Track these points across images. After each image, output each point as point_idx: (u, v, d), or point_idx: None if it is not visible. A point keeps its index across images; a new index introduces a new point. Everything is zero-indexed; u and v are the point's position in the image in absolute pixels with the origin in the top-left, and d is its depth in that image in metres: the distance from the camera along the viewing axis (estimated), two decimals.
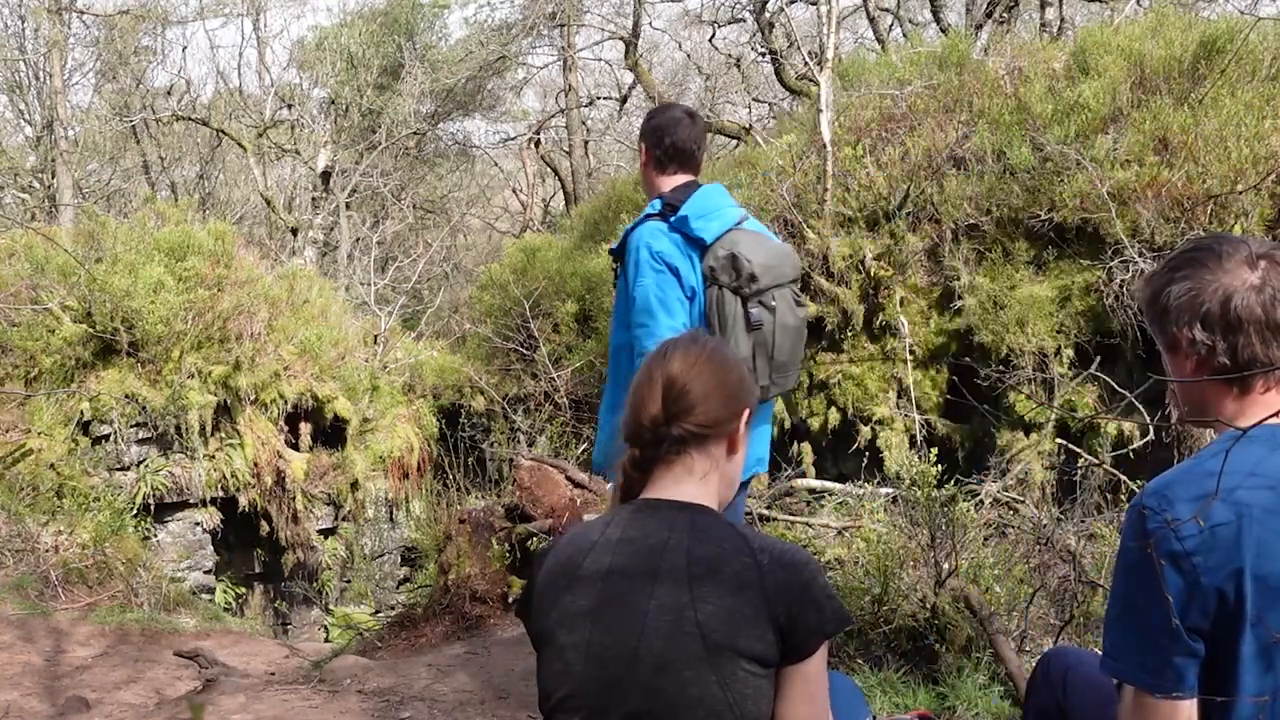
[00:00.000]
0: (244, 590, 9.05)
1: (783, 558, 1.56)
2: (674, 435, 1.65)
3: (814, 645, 1.53)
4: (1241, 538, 1.46)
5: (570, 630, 1.57)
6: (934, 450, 4.53)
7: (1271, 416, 1.57)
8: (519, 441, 10.25)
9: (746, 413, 1.72)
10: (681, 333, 1.83)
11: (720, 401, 1.68)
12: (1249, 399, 1.60)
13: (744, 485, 3.20)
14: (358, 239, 16.87)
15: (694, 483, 1.66)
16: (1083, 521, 4.51)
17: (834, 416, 6.74)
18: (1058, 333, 6.00)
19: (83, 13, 14.87)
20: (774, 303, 2.92)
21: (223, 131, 15.99)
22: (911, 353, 6.36)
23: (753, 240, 2.94)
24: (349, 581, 9.80)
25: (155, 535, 8.15)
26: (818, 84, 7.58)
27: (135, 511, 7.77)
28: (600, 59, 18.92)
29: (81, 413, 7.96)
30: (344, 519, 9.78)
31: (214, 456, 8.56)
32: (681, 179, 3.09)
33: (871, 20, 14.80)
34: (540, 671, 1.62)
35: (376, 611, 8.85)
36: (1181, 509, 1.48)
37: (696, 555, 1.55)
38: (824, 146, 7.25)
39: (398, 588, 9.79)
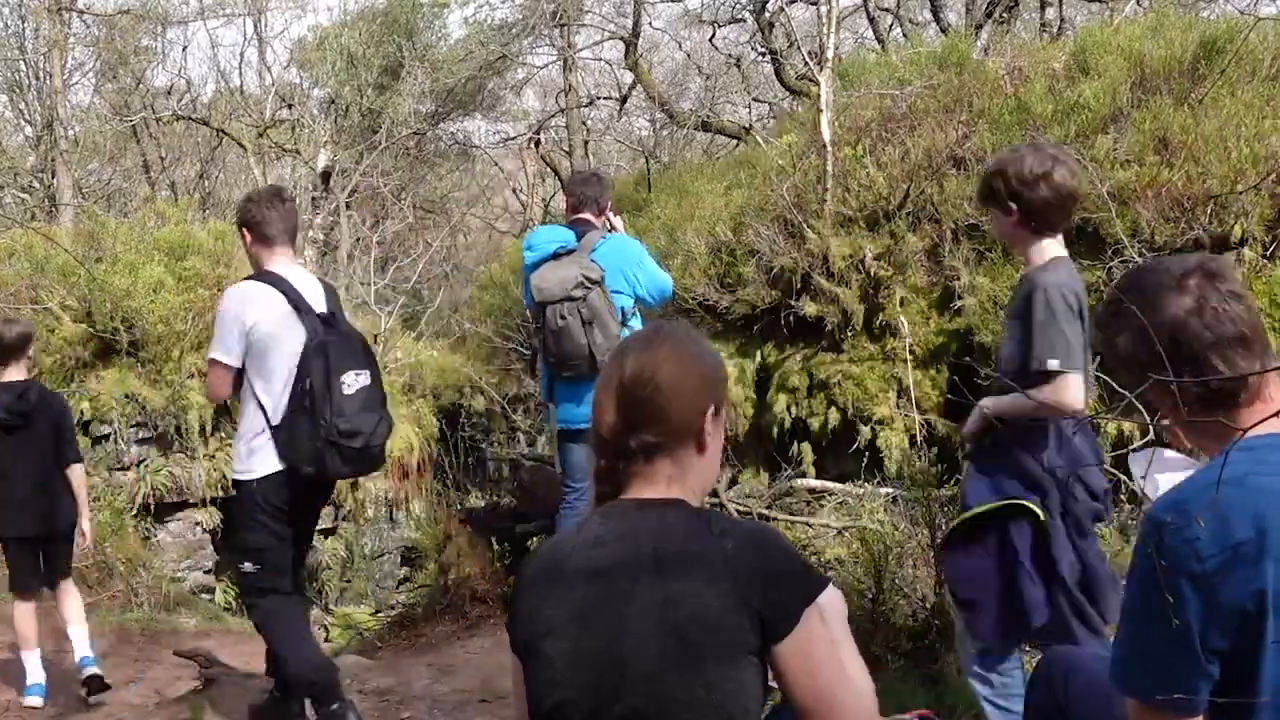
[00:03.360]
0: None
1: (746, 539, 1.53)
2: (632, 448, 1.59)
3: (796, 617, 1.49)
4: (1264, 554, 1.42)
5: (556, 639, 1.55)
6: (934, 450, 4.53)
7: (1270, 416, 1.55)
8: (519, 441, 10.26)
9: (712, 409, 1.63)
10: (646, 326, 1.73)
11: (681, 404, 1.59)
12: (1247, 412, 1.56)
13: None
14: (358, 239, 16.86)
15: (663, 487, 1.61)
16: None
17: (834, 416, 6.74)
18: None
19: (83, 12, 14.86)
20: (546, 314, 4.10)
21: (223, 131, 15.98)
22: (911, 353, 6.36)
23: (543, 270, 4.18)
24: (349, 581, 9.80)
25: (155, 535, 8.14)
26: (818, 84, 7.58)
27: (135, 511, 7.76)
28: (600, 59, 18.87)
29: (81, 412, 7.96)
30: (344, 519, 9.78)
31: (214, 456, 8.55)
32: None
33: (871, 20, 14.79)
34: (529, 682, 1.60)
35: (376, 611, 8.84)
36: (1198, 524, 1.44)
37: (666, 553, 1.53)
38: (824, 146, 7.25)
39: (398, 588, 9.79)
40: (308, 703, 3.50)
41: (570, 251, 4.18)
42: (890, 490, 4.87)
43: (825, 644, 1.51)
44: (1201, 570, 1.44)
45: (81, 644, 4.56)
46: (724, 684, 1.48)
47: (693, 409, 1.60)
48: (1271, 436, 1.51)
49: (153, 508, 8.09)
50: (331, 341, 3.29)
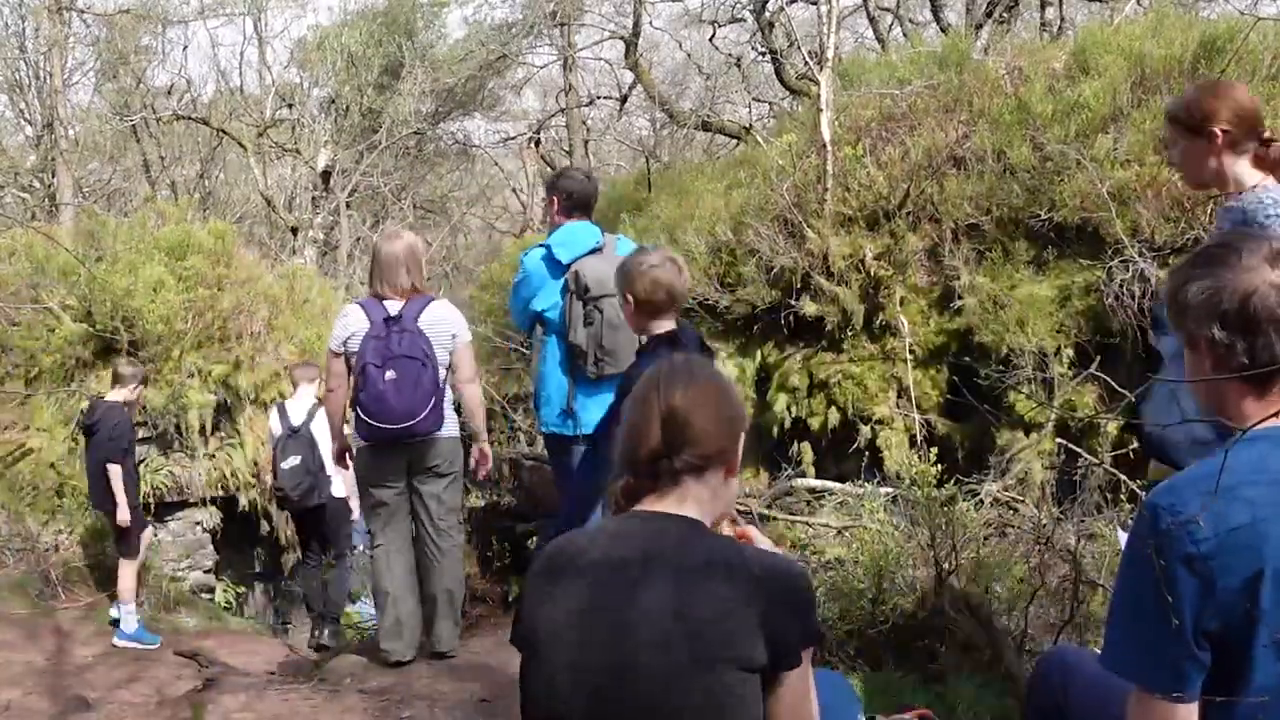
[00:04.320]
0: (244, 590, 9.04)
1: (773, 570, 1.57)
2: (675, 468, 1.66)
3: (799, 656, 1.53)
4: (1260, 539, 1.44)
5: (557, 645, 1.56)
6: (934, 450, 4.54)
7: (1271, 416, 1.56)
8: (519, 441, 10.24)
9: (742, 437, 1.74)
10: (673, 359, 1.80)
11: (721, 431, 1.69)
12: (1269, 400, 1.58)
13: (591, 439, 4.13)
14: (358, 238, 16.88)
15: (686, 506, 1.67)
16: (1083, 521, 4.51)
17: (834, 416, 6.74)
18: (1058, 332, 6.00)
19: (83, 12, 14.86)
20: (603, 307, 4.07)
21: (223, 131, 15.99)
22: (911, 352, 6.36)
23: (593, 262, 4.18)
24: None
25: (155, 534, 8.14)
26: (818, 84, 7.58)
27: None
28: (600, 59, 18.89)
29: (82, 412, 7.96)
30: None
31: (214, 456, 8.55)
32: (578, 222, 4.42)
33: (871, 20, 14.80)
34: (526, 680, 1.61)
35: None
36: (1195, 510, 1.46)
37: (684, 568, 1.55)
38: (824, 146, 7.25)
39: None
40: None
41: (600, 249, 4.27)
42: (890, 490, 4.87)
43: (808, 685, 1.56)
44: (1197, 552, 1.46)
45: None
46: (729, 697, 1.48)
47: (731, 435, 1.70)
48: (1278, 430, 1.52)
49: (153, 507, 8.09)
50: None
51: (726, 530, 1.79)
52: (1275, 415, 1.55)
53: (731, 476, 1.73)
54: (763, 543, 1.78)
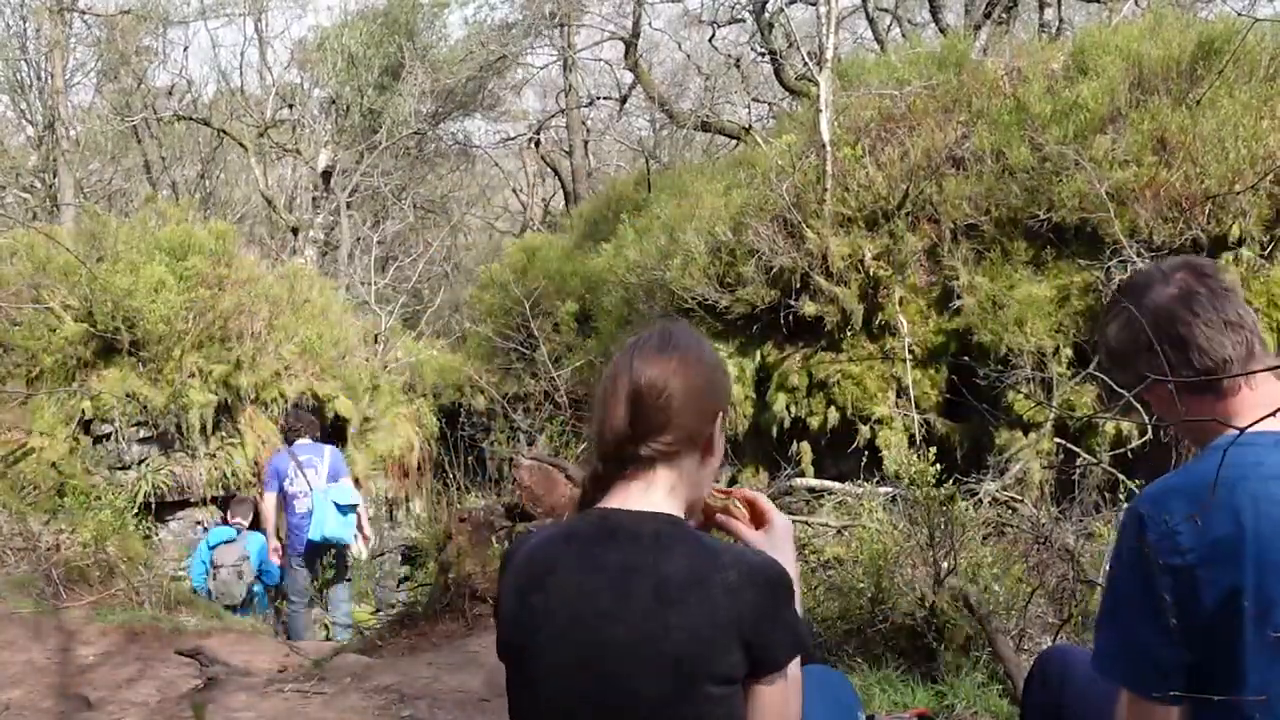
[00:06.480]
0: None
1: (753, 575, 1.48)
2: (640, 456, 1.54)
3: (780, 666, 1.48)
4: (1244, 547, 1.45)
5: (540, 663, 1.51)
6: (933, 449, 4.54)
7: (1267, 416, 1.57)
8: (519, 440, 10.27)
9: (721, 415, 1.61)
10: (653, 327, 1.65)
11: (693, 413, 1.55)
12: (1234, 401, 1.60)
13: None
14: (358, 238, 16.88)
15: (659, 496, 1.56)
16: (1081, 520, 4.53)
17: (833, 416, 6.75)
18: (1056, 332, 6.01)
19: (84, 13, 14.88)
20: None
21: (224, 131, 16.00)
22: (910, 352, 6.38)
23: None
24: (349, 580, 9.80)
25: (156, 534, 8.15)
26: (817, 84, 7.59)
27: (136, 510, 7.77)
28: (600, 59, 18.92)
29: (83, 412, 7.97)
30: None
31: (215, 455, 8.57)
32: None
33: (870, 20, 14.82)
34: (510, 694, 1.57)
35: (377, 610, 8.87)
36: (1180, 517, 1.47)
37: (664, 577, 1.47)
38: (823, 146, 7.26)
39: (398, 586, 9.80)
40: None
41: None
42: (889, 489, 4.88)
43: (790, 694, 1.51)
44: (1181, 563, 1.47)
45: None
46: (713, 709, 1.46)
47: (704, 416, 1.58)
48: (1267, 434, 1.52)
49: (154, 507, 8.10)
50: None
51: (737, 511, 1.70)
52: (1259, 421, 1.55)
53: (709, 457, 1.60)
54: (777, 523, 1.69)
